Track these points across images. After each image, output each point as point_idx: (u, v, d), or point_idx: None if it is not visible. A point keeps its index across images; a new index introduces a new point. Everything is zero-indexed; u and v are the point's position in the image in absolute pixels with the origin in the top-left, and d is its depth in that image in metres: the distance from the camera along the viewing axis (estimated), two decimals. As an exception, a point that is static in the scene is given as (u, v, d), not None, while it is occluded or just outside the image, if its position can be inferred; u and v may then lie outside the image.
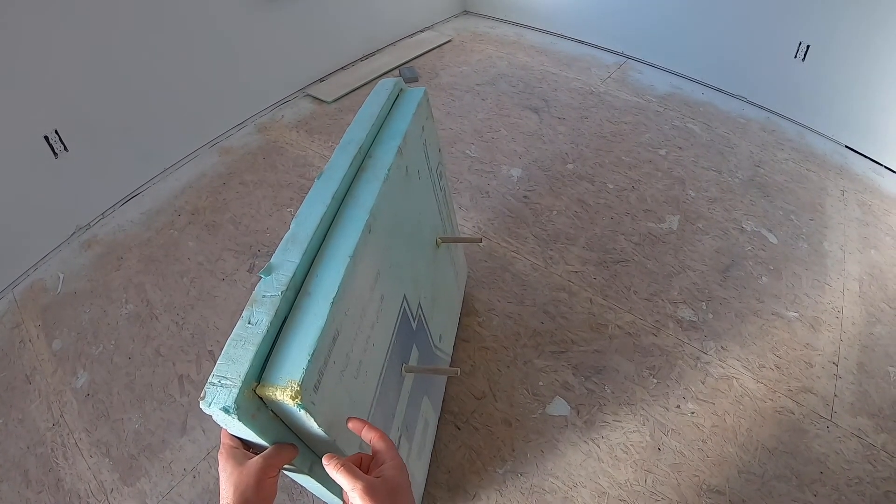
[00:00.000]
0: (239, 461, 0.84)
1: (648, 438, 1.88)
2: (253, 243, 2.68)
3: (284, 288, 0.92)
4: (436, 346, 1.75)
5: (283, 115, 3.65)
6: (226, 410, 0.76)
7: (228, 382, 0.79)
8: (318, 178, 1.17)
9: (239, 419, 0.78)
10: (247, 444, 0.89)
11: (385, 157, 1.28)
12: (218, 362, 0.82)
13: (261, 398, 0.82)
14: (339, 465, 0.79)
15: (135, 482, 1.88)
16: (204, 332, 2.31)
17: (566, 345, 2.18)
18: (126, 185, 3.04)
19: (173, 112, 3.12)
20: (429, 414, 1.75)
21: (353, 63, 4.19)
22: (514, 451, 1.87)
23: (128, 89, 2.82)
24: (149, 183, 3.12)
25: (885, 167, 3.09)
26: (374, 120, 1.37)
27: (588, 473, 1.81)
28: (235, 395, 0.77)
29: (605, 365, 2.11)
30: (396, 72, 4.05)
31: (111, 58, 2.68)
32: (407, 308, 1.37)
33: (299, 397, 0.79)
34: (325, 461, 0.80)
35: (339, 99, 3.77)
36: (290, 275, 0.94)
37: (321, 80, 3.99)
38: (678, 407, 1.97)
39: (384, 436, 0.86)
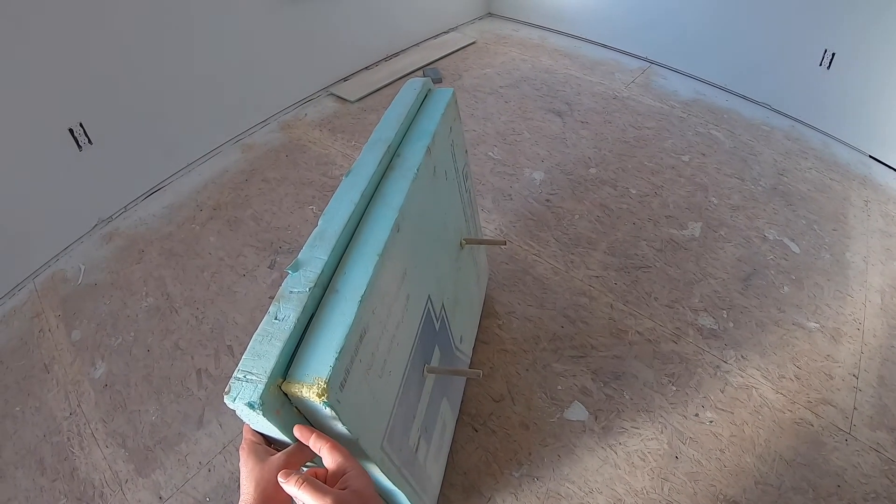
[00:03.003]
0: (261, 457, 0.83)
1: (666, 446, 1.86)
2: (274, 240, 2.68)
3: (312, 285, 0.91)
4: (456, 348, 1.74)
5: (306, 114, 3.65)
6: (251, 406, 0.76)
7: (254, 378, 0.78)
8: (346, 176, 1.17)
9: (263, 415, 0.77)
10: (268, 440, 0.88)
11: (414, 156, 1.27)
12: (244, 357, 0.81)
13: (286, 395, 0.81)
14: (300, 482, 0.74)
15: (150, 474, 1.88)
16: (223, 327, 2.31)
17: (585, 349, 2.16)
18: (149, 180, 3.05)
19: (197, 108, 3.13)
20: (447, 415, 1.73)
21: (376, 63, 4.18)
22: (530, 454, 1.86)
23: (153, 85, 2.83)
24: (171, 177, 3.13)
25: (910, 178, 3.05)
26: (402, 119, 1.36)
27: (604, 480, 1.79)
28: (261, 391, 0.76)
29: (624, 371, 2.09)
30: (420, 72, 4.05)
31: (136, 53, 2.70)
32: (431, 308, 1.36)
33: (325, 395, 0.78)
34: (281, 479, 0.76)
35: (362, 98, 3.76)
36: (319, 272, 0.93)
37: (345, 79, 3.98)
38: (696, 415, 1.95)
39: (338, 445, 0.81)
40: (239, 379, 0.79)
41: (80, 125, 2.57)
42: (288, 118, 3.62)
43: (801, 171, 3.06)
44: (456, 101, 1.60)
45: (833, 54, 3.13)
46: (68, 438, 2.01)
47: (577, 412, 1.97)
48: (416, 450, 1.36)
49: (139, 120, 2.84)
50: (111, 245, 2.74)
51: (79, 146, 2.60)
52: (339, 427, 0.85)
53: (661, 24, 3.95)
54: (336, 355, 0.82)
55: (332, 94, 3.84)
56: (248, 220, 2.81)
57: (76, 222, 2.78)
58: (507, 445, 1.89)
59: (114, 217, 2.90)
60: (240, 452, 0.85)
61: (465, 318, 1.89)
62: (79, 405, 2.10)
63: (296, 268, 0.94)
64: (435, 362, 1.45)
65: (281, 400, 0.81)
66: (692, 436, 1.89)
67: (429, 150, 1.30)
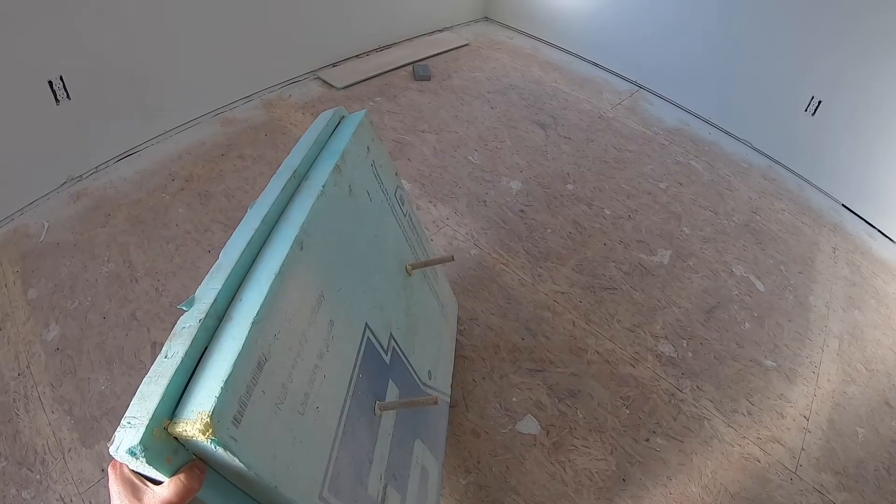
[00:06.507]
0: (138, 489, 0.65)
1: (614, 468, 1.81)
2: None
3: (203, 316, 0.77)
4: (424, 384, 1.55)
5: (290, 95, 3.50)
6: (132, 453, 0.60)
7: (136, 421, 0.62)
8: (251, 207, 1.06)
9: (148, 462, 0.61)
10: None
11: (320, 175, 1.14)
12: (130, 404, 0.66)
13: (177, 439, 0.66)
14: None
15: (94, 444, 1.77)
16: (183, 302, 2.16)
17: (544, 364, 2.08)
18: (124, 142, 2.87)
19: (181, 75, 2.96)
20: (427, 460, 1.52)
21: (367, 53, 4.03)
22: (479, 463, 1.79)
23: (139, 46, 2.67)
24: (147, 143, 2.96)
25: (879, 230, 3.04)
26: (311, 146, 1.21)
27: (550, 495, 1.73)
28: (142, 435, 0.60)
29: (580, 389, 2.01)
30: (410, 67, 3.91)
31: (126, 12, 2.54)
32: (372, 338, 1.19)
33: (210, 431, 0.63)
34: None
35: (349, 86, 3.60)
36: (211, 302, 0.80)
37: (333, 65, 3.83)
38: (647, 440, 1.89)
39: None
40: (123, 426, 0.64)
41: (60, 78, 2.41)
42: (272, 97, 3.46)
43: (774, 212, 3.02)
44: (372, 123, 1.44)
45: (819, 102, 3.09)
46: (14, 400, 1.87)
47: (529, 425, 1.90)
48: (383, 500, 1.18)
49: (121, 80, 2.68)
50: (78, 205, 2.57)
51: (56, 100, 2.43)
52: (243, 469, 0.69)
53: (654, 50, 3.87)
54: (222, 385, 0.67)
55: (319, 78, 3.69)
56: (219, 195, 2.67)
57: (45, 177, 2.60)
58: (456, 452, 1.81)
59: (84, 177, 2.72)
60: (109, 471, 0.68)
61: (430, 351, 1.69)
62: (28, 366, 1.96)
63: (190, 304, 0.81)
64: (392, 399, 1.28)
65: (172, 445, 0.65)
66: (641, 460, 1.84)
67: (338, 167, 1.16)
